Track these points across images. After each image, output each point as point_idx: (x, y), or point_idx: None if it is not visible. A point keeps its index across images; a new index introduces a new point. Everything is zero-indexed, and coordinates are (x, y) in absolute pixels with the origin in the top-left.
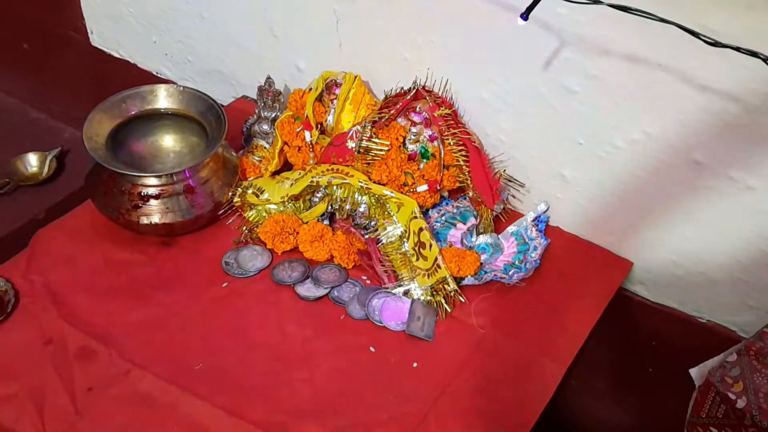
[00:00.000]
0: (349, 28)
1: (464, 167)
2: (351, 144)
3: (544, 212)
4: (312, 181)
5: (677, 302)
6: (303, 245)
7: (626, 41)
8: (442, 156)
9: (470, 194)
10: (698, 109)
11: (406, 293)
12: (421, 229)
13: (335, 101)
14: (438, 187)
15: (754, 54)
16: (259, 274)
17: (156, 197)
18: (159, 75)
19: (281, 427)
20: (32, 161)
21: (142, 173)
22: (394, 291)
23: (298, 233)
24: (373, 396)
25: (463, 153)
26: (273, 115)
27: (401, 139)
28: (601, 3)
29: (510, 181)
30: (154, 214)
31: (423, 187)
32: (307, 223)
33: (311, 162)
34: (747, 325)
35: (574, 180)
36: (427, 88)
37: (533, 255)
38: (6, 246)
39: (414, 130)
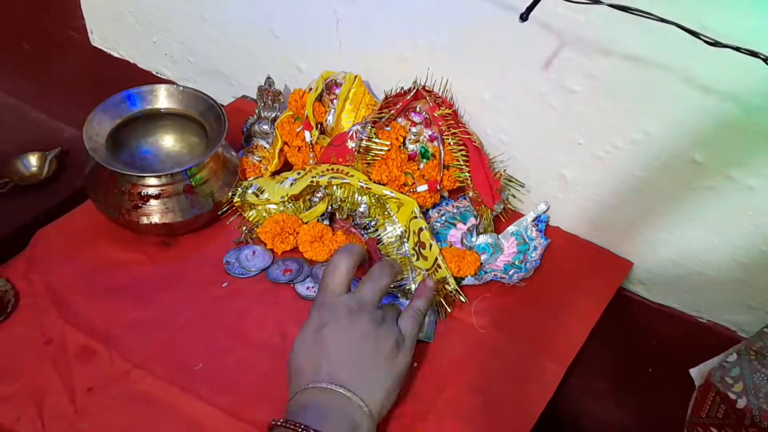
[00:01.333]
0: (349, 28)
1: (464, 167)
2: (351, 144)
3: (545, 212)
4: (312, 181)
5: (677, 302)
6: (303, 245)
7: (626, 41)
8: (442, 156)
9: (470, 194)
10: (698, 109)
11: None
12: (421, 229)
13: (335, 101)
14: (438, 187)
15: (754, 54)
16: (259, 274)
17: (156, 197)
18: (159, 75)
19: None
20: (32, 161)
21: (142, 173)
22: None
23: (298, 233)
24: None
25: (464, 153)
26: (273, 115)
27: (401, 139)
28: (601, 3)
29: (510, 181)
30: (154, 214)
31: (423, 187)
32: (307, 223)
33: (311, 162)
34: (747, 325)
35: (574, 180)
36: (427, 88)
37: (533, 255)
38: (6, 246)
39: (414, 130)
